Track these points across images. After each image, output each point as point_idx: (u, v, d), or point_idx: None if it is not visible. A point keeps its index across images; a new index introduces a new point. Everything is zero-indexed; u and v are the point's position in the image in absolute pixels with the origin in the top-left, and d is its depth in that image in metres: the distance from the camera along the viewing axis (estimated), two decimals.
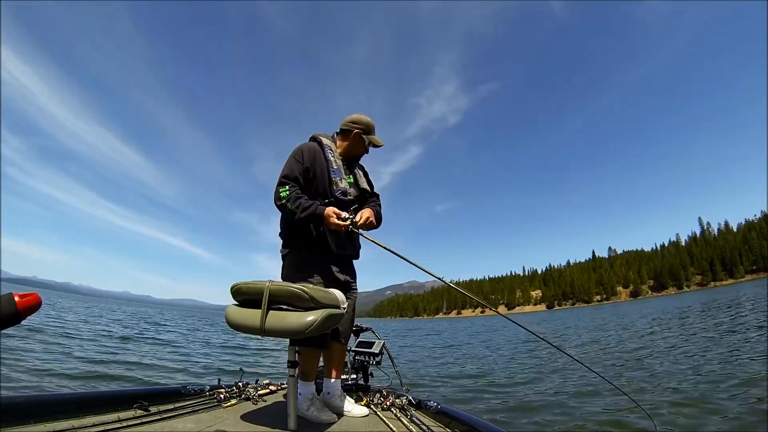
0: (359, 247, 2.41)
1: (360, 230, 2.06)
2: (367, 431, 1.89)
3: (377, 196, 2.48)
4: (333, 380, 2.25)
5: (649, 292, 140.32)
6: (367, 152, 2.43)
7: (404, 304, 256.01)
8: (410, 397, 2.32)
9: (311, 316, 1.56)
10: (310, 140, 2.36)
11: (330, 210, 2.03)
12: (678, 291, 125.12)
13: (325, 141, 2.32)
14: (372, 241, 2.03)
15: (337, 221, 2.02)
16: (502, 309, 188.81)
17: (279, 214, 2.22)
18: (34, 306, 0.91)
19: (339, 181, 2.25)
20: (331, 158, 2.26)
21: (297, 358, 1.88)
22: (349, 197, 2.28)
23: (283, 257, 2.28)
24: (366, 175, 2.50)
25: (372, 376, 3.10)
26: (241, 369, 2.91)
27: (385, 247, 1.96)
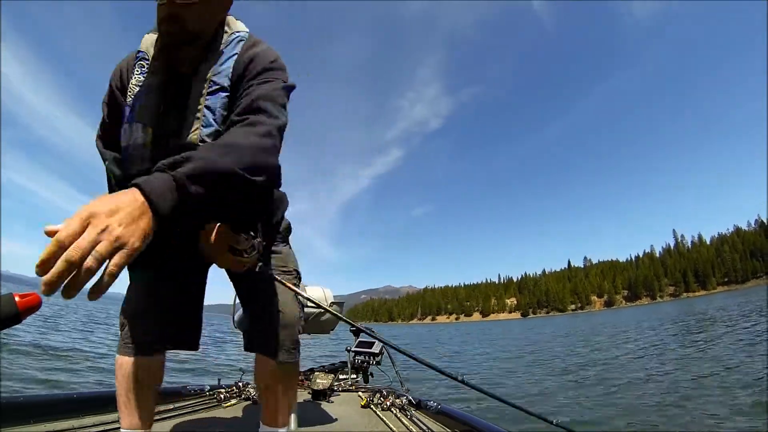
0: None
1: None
2: (367, 431, 1.89)
3: (258, 110, 0.92)
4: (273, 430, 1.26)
5: (623, 302, 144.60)
6: (172, 31, 0.95)
7: (379, 309, 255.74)
8: (410, 397, 2.31)
9: None
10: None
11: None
12: (651, 301, 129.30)
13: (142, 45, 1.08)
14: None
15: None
16: (476, 316, 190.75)
17: None
18: (34, 306, 0.89)
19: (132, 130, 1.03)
20: (135, 77, 1.05)
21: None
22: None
23: None
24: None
25: (372, 376, 3.08)
26: (240, 369, 2.86)
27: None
